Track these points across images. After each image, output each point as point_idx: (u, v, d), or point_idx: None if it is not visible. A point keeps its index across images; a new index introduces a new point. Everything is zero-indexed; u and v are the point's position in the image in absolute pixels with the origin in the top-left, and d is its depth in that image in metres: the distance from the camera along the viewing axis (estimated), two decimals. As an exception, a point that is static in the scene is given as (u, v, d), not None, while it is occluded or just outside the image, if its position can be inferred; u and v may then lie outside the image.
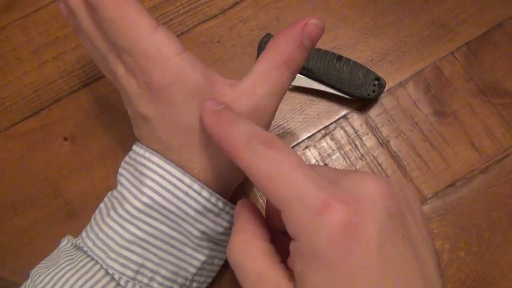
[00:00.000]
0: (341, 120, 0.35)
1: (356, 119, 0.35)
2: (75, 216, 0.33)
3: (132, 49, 0.23)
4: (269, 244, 0.21)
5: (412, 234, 0.19)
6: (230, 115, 0.22)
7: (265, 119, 0.26)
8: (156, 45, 0.23)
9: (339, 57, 0.34)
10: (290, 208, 0.18)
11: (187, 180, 0.24)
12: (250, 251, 0.20)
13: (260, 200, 0.33)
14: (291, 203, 0.18)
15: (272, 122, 0.30)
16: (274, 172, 0.18)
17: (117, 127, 0.35)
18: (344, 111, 0.35)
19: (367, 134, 0.35)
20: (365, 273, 0.17)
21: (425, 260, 0.19)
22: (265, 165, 0.18)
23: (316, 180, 0.18)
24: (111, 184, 0.33)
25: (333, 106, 0.35)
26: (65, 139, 0.35)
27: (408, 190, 0.21)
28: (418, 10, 0.37)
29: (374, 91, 0.33)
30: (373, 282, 0.17)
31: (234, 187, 0.28)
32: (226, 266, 0.31)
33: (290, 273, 0.19)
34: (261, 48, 0.35)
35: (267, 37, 0.35)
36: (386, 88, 0.35)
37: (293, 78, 0.25)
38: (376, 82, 0.33)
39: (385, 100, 0.35)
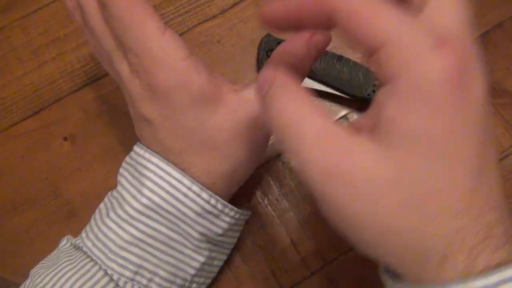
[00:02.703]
0: (341, 120, 0.35)
1: (356, 119, 0.35)
2: (75, 216, 0.33)
3: (139, 50, 0.23)
4: (320, 104, 0.19)
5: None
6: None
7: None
8: (163, 47, 0.23)
9: (339, 57, 0.34)
10: (398, 41, 0.16)
11: (186, 181, 0.24)
12: (302, 108, 0.17)
13: (263, 203, 0.33)
14: (401, 33, 0.16)
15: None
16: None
17: (118, 127, 0.35)
18: (344, 111, 0.35)
19: (367, 134, 0.35)
20: (468, 129, 0.16)
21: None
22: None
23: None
24: (111, 184, 0.33)
25: (333, 106, 0.35)
26: (65, 139, 0.35)
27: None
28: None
29: (374, 91, 0.33)
30: (477, 140, 0.16)
31: (234, 190, 0.28)
32: (226, 266, 0.31)
33: (352, 129, 0.17)
34: (261, 48, 0.35)
35: (267, 37, 0.35)
36: (386, 88, 0.35)
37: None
38: (376, 82, 0.33)
39: (385, 100, 0.35)
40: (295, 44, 0.22)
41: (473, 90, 0.16)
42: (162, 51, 0.23)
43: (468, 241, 0.16)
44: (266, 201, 0.33)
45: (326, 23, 0.18)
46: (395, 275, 0.19)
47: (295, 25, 0.19)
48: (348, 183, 0.16)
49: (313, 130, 0.17)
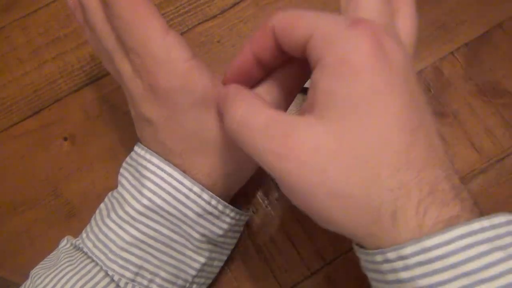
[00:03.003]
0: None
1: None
2: (75, 216, 0.33)
3: (141, 50, 0.22)
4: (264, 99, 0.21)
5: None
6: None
7: None
8: (166, 48, 0.22)
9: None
10: (320, 30, 0.18)
11: (187, 182, 0.24)
12: (251, 108, 0.20)
13: (263, 204, 0.33)
14: (322, 24, 0.18)
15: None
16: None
17: (118, 127, 0.35)
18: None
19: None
20: (391, 89, 0.17)
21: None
22: None
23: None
24: (111, 184, 0.33)
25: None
26: (65, 139, 0.35)
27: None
28: (418, 10, 0.37)
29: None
30: (403, 100, 0.17)
31: (234, 191, 0.28)
32: (226, 266, 0.31)
33: (297, 114, 0.19)
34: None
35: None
36: (386, 88, 0.35)
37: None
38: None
39: (385, 100, 0.35)
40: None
41: (391, 57, 0.18)
42: (164, 52, 0.22)
43: (414, 196, 0.17)
44: (266, 201, 0.33)
45: (276, 46, 0.21)
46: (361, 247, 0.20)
47: (260, 69, 0.23)
48: (297, 160, 0.18)
49: (261, 122, 0.19)
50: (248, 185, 0.29)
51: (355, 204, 0.17)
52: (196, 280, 0.27)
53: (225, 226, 0.27)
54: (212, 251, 0.27)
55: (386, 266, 0.18)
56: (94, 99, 0.36)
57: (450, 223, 0.17)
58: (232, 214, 0.27)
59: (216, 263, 0.29)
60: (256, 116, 0.19)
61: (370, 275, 0.20)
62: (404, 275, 0.17)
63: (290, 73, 0.24)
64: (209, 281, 0.29)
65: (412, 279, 0.17)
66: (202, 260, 0.27)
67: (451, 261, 0.16)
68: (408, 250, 0.17)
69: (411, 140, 0.17)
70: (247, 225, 0.32)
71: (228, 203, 0.26)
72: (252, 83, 0.24)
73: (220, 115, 0.21)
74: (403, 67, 0.18)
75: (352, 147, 0.17)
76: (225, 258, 0.30)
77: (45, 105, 0.36)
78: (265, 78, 0.24)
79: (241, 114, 0.20)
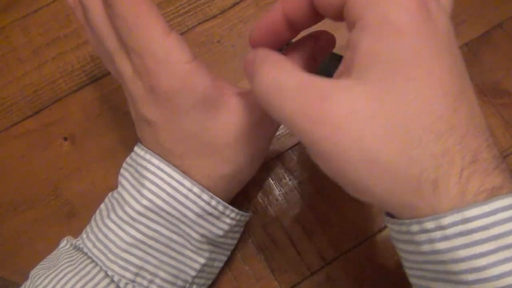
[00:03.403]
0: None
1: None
2: (75, 216, 0.33)
3: (142, 51, 0.22)
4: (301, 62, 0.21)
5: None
6: None
7: (271, 128, 0.26)
8: (167, 50, 0.22)
9: (340, 58, 0.34)
10: None
11: (187, 183, 0.24)
12: (282, 70, 0.19)
13: (263, 203, 0.33)
14: None
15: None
16: None
17: (118, 127, 0.35)
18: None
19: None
20: (436, 52, 0.17)
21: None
22: None
23: None
24: (111, 184, 0.33)
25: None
26: (65, 139, 0.35)
27: None
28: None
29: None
30: (447, 64, 0.17)
31: (235, 193, 0.28)
32: (226, 266, 0.31)
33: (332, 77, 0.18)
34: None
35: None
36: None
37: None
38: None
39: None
40: (301, 48, 0.22)
41: (436, 19, 0.17)
42: (166, 53, 0.22)
43: (457, 163, 0.16)
44: (266, 201, 0.33)
45: (310, 5, 0.20)
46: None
47: (290, 30, 0.21)
48: (332, 124, 0.17)
49: (293, 84, 0.18)
50: (248, 184, 0.29)
51: (394, 171, 0.17)
52: (196, 280, 0.27)
53: (225, 226, 0.27)
54: (212, 252, 0.27)
55: (422, 236, 0.17)
56: (94, 99, 0.36)
57: (493, 194, 0.16)
58: (232, 215, 0.27)
59: (216, 263, 0.29)
60: (289, 79, 0.18)
61: (401, 246, 0.19)
62: (442, 245, 0.16)
63: (317, 39, 0.23)
64: (209, 282, 0.29)
65: (450, 249, 0.16)
66: (202, 260, 0.27)
67: (492, 232, 0.16)
68: (448, 219, 0.16)
69: (454, 105, 0.17)
70: (247, 224, 0.32)
71: (228, 204, 0.26)
72: (280, 45, 0.23)
73: (249, 79, 0.20)
74: (448, 31, 0.17)
75: (392, 111, 0.16)
76: (225, 258, 0.30)
77: (45, 105, 0.36)
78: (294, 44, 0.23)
79: (272, 77, 0.19)
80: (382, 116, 0.16)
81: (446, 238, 0.16)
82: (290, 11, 0.20)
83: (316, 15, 0.20)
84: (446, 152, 0.16)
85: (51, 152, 0.35)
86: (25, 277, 0.27)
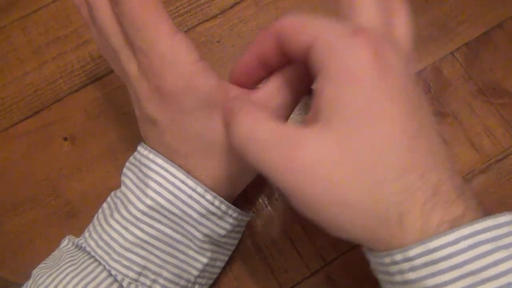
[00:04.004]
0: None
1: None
2: (75, 216, 0.33)
3: (149, 50, 0.22)
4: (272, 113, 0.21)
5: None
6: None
7: None
8: (174, 50, 0.22)
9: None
10: (323, 37, 0.19)
11: (190, 182, 0.24)
12: (256, 120, 0.20)
13: (263, 203, 0.33)
14: (324, 32, 0.19)
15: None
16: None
17: (118, 127, 0.35)
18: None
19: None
20: (390, 96, 0.18)
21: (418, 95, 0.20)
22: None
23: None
24: (111, 184, 0.33)
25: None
26: (65, 139, 0.35)
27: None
28: (418, 10, 0.37)
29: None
30: (404, 106, 0.18)
31: (238, 192, 0.28)
32: (227, 266, 0.31)
33: (302, 124, 0.20)
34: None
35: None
36: (386, 88, 0.35)
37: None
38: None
39: (385, 100, 0.35)
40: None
41: (392, 65, 0.18)
42: (172, 53, 0.22)
43: (418, 197, 0.17)
44: (266, 201, 0.33)
45: (280, 49, 0.21)
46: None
47: (264, 70, 0.23)
48: (302, 172, 0.18)
49: (266, 134, 0.19)
50: (248, 184, 0.29)
51: (363, 210, 0.18)
52: (198, 280, 0.27)
53: (227, 226, 0.27)
54: (214, 252, 0.27)
55: (393, 268, 0.18)
56: (94, 99, 0.36)
57: (455, 223, 0.17)
58: (234, 215, 0.27)
59: (218, 263, 0.29)
60: (261, 130, 0.19)
61: (380, 276, 0.20)
62: (411, 276, 0.17)
63: (297, 74, 0.24)
64: (211, 282, 0.29)
65: (419, 279, 0.17)
66: (205, 260, 0.27)
67: (456, 261, 0.16)
68: (413, 251, 0.17)
69: (412, 144, 0.18)
70: (247, 224, 0.32)
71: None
72: (257, 82, 0.24)
73: (226, 128, 0.22)
74: (402, 74, 0.19)
75: (356, 155, 0.18)
76: (226, 258, 0.30)
77: (45, 105, 0.36)
78: (272, 78, 0.24)
79: (245, 129, 0.20)
80: (348, 160, 0.18)
81: (414, 269, 0.17)
82: (262, 55, 0.22)
83: (287, 58, 0.21)
84: (407, 188, 0.17)
85: (51, 152, 0.35)
86: (25, 277, 0.27)
